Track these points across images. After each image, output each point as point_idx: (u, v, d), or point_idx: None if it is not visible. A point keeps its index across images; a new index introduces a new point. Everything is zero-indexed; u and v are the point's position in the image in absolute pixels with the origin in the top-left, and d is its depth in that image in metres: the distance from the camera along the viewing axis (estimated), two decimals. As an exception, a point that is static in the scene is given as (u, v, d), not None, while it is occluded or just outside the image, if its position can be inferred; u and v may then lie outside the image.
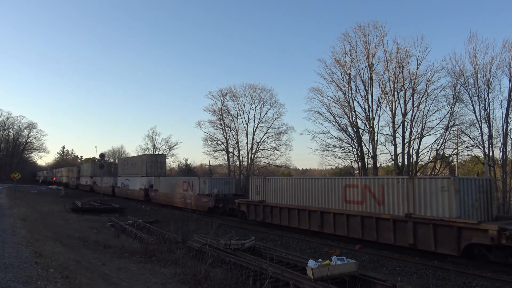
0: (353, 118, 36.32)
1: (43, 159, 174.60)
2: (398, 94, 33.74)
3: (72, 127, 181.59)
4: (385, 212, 14.41)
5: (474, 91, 30.38)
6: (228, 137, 56.66)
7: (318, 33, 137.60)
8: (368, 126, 35.41)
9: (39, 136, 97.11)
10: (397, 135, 33.59)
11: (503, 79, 32.39)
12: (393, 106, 33.65)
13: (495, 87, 29.91)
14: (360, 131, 36.10)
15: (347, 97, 36.64)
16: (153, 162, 40.46)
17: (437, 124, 31.91)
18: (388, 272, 11.66)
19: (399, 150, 33.29)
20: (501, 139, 29.37)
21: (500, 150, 29.61)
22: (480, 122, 29.99)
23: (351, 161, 37.25)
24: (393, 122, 33.59)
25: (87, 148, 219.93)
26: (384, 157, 50.17)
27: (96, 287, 7.23)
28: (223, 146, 56.90)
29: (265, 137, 55.83)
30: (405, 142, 33.10)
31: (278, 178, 21.21)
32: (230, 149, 56.87)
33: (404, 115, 33.27)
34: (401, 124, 33.42)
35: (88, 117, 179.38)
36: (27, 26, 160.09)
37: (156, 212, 29.04)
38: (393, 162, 33.74)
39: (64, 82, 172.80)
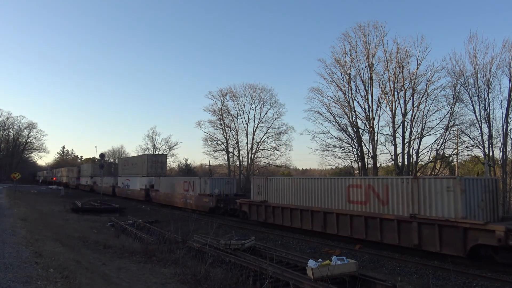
0: (353, 118, 36.40)
1: (43, 159, 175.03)
2: (398, 94, 33.84)
3: (72, 127, 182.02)
4: (389, 213, 14.25)
5: (474, 91, 30.47)
6: (228, 137, 56.78)
7: (318, 33, 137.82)
8: (368, 126, 35.43)
9: (39, 136, 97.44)
10: (397, 135, 33.68)
11: (503, 79, 32.53)
12: (393, 106, 33.70)
13: (495, 87, 30.04)
14: (360, 131, 36.17)
15: (347, 97, 36.74)
16: (154, 162, 40.44)
17: (437, 124, 32.04)
18: (388, 272, 11.64)
19: (399, 150, 33.35)
20: (501, 139, 29.42)
21: (500, 150, 29.70)
22: (480, 122, 30.08)
23: (351, 161, 37.35)
24: (393, 122, 33.63)
25: (87, 148, 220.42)
26: (384, 157, 50.30)
27: (96, 287, 7.23)
28: (223, 146, 57.00)
29: (265, 137, 55.98)
30: (405, 142, 33.13)
31: (280, 178, 21.02)
32: (230, 149, 56.99)
33: (404, 115, 33.30)
34: (401, 124, 33.46)
35: (88, 117, 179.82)
36: (27, 26, 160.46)
37: (156, 212, 29.03)
38: (393, 162, 33.77)
39: (64, 82, 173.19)
